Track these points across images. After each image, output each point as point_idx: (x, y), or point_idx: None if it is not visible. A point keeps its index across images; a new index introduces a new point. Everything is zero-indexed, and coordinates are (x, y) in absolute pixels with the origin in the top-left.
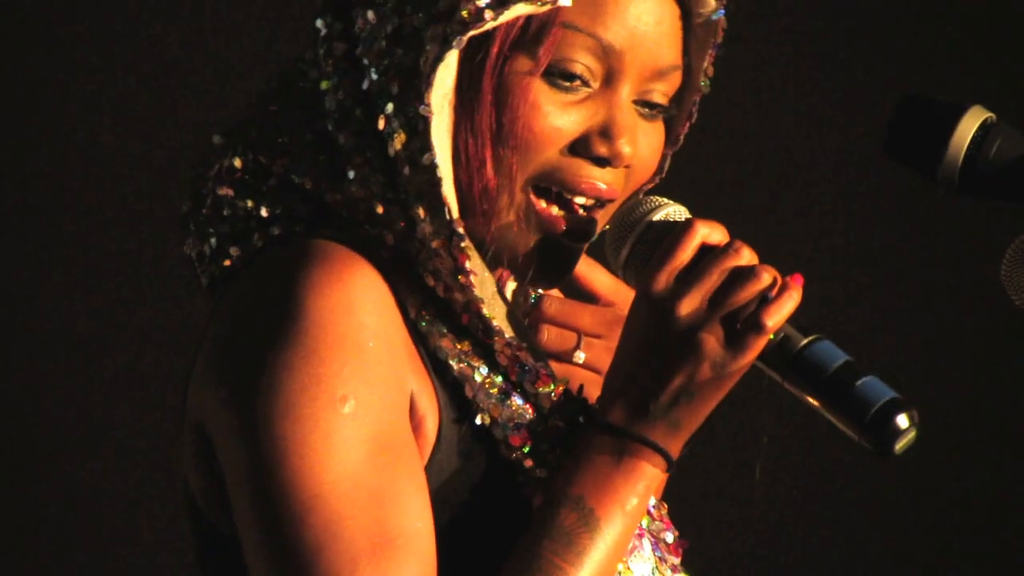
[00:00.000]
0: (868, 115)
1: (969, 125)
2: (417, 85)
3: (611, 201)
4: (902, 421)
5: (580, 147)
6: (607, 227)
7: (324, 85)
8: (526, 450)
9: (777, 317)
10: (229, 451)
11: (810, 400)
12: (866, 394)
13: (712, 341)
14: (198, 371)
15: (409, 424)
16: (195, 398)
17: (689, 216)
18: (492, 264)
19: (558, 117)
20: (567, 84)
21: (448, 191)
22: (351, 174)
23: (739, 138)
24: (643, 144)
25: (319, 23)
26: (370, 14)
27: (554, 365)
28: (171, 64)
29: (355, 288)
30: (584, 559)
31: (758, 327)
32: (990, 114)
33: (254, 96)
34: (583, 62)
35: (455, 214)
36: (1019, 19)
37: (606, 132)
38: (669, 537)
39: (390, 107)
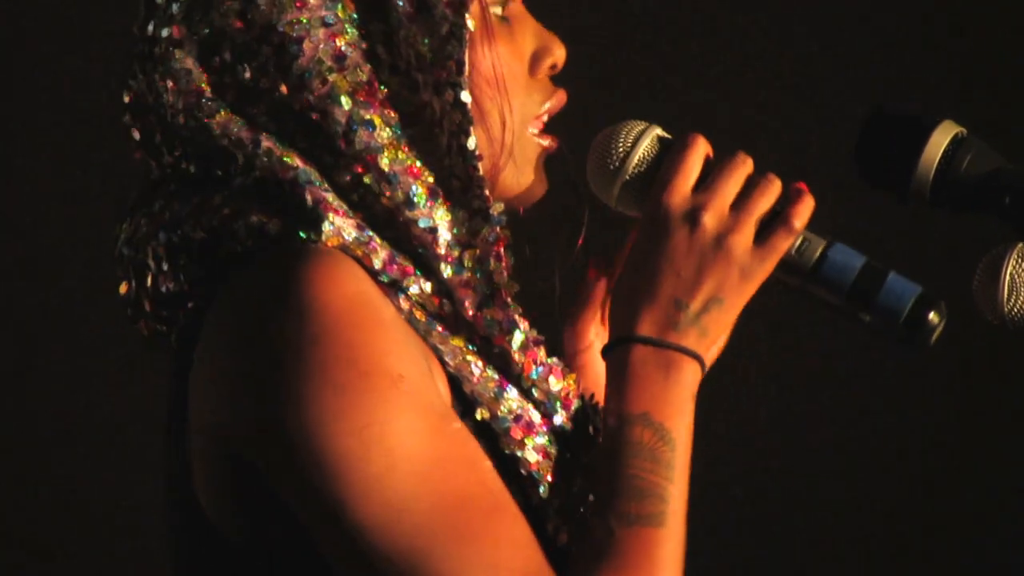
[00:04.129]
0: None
1: (940, 139)
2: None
3: None
4: (933, 319)
5: (533, 70)
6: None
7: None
8: (527, 443)
9: (804, 217)
10: (302, 464)
11: (833, 303)
12: (894, 297)
13: (741, 247)
14: (209, 381)
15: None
16: (211, 410)
17: (664, 133)
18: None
19: (514, 55)
20: (500, 17)
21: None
22: (334, 218)
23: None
24: None
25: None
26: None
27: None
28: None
29: (363, 280)
30: (673, 472)
31: (788, 227)
32: (961, 128)
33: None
34: None
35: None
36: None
37: (545, 46)
38: None
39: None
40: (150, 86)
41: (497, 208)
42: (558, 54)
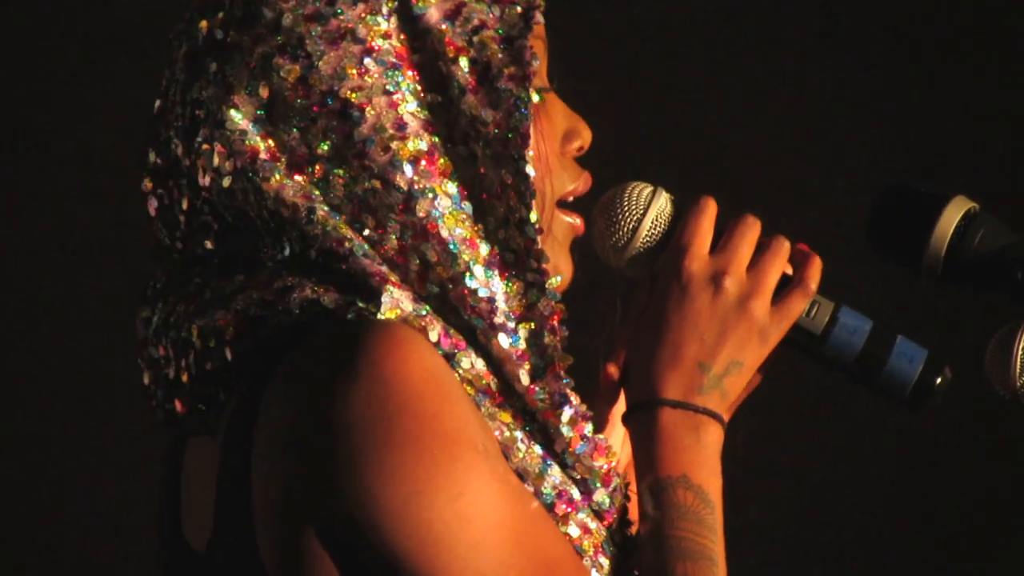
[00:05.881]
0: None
1: (952, 215)
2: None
3: None
4: (940, 385)
5: (562, 149)
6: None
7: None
8: (570, 518)
9: (817, 278)
10: (395, 535)
11: (842, 365)
12: (905, 361)
13: (761, 310)
14: (283, 458)
15: None
16: (288, 486)
17: (668, 194)
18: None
19: (551, 133)
20: (537, 93)
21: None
22: (392, 291)
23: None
24: None
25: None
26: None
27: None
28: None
29: (433, 351)
30: (716, 533)
31: (804, 289)
32: (973, 204)
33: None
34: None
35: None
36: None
37: (574, 127)
38: None
39: (446, 201)
40: (188, 149)
41: (552, 282)
42: (586, 136)
